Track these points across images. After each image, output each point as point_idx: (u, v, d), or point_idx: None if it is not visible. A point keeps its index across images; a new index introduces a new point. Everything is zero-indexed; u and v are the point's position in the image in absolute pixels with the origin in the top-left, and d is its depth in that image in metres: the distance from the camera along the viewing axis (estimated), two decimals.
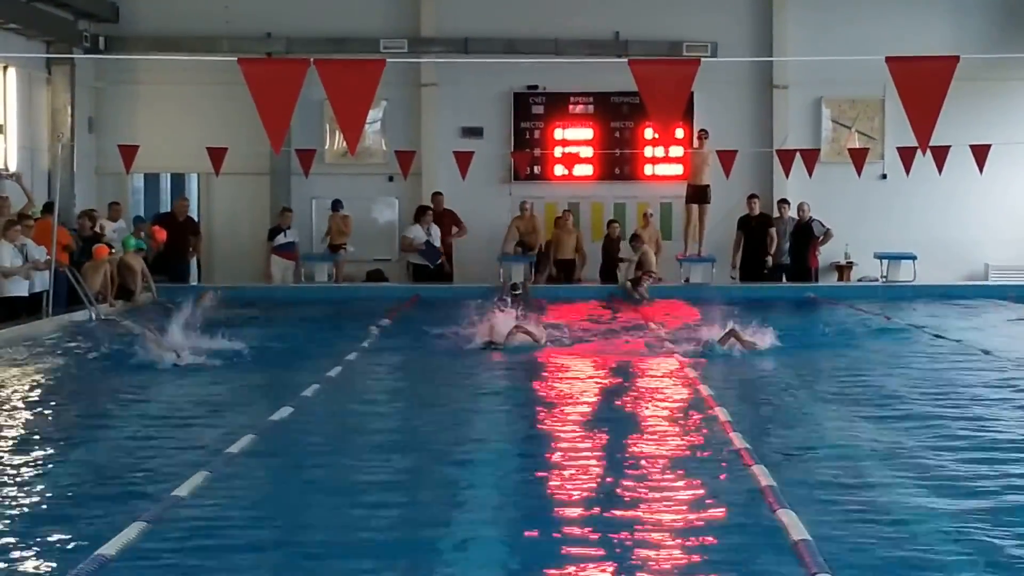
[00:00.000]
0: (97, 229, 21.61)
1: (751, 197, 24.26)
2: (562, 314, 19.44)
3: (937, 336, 16.77)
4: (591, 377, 13.41)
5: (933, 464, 8.83)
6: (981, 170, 22.43)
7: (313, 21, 25.11)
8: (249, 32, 25.05)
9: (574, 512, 7.64)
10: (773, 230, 23.99)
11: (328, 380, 12.92)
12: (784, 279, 24.09)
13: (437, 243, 24.06)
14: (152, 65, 24.73)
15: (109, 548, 6.67)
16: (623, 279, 23.32)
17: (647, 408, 11.42)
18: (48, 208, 20.22)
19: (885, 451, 9.27)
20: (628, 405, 11.53)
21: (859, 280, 24.96)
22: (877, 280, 24.53)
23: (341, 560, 6.73)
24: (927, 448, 9.36)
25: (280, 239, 24.21)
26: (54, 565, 6.58)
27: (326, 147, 25.12)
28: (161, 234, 22.86)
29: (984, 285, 24.47)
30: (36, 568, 6.61)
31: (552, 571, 6.52)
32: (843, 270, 25.19)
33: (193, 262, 24.44)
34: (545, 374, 13.61)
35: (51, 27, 23.24)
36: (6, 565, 6.62)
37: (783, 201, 24.35)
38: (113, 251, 20.98)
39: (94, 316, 19.15)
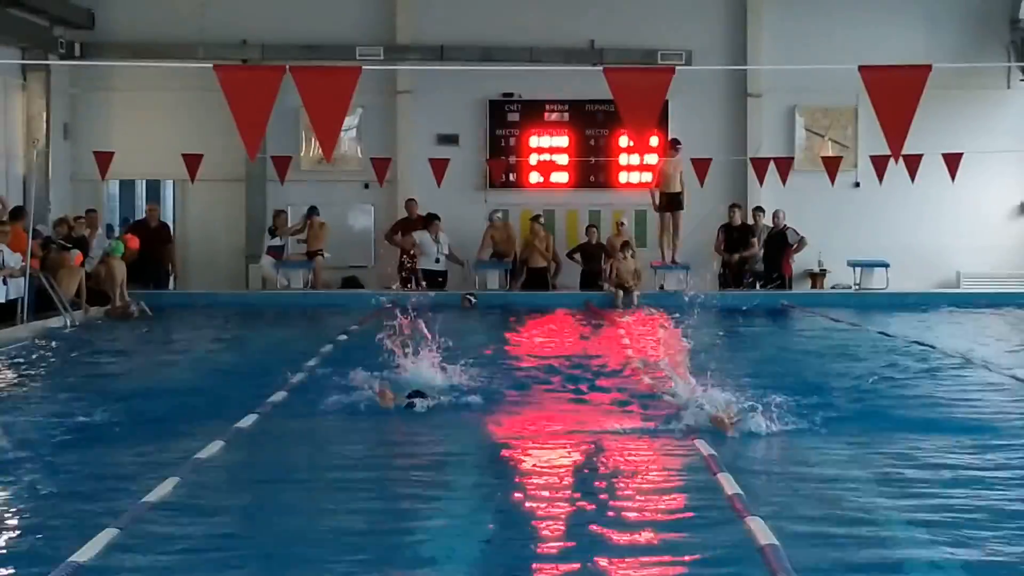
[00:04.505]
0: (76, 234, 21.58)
1: (732, 206, 24.36)
2: (528, 338, 18.46)
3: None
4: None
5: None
6: (953, 178, 22.67)
7: (289, 28, 25.11)
8: (225, 39, 25.03)
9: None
10: (754, 239, 24.13)
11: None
12: (758, 287, 24.18)
13: (446, 250, 24.20)
14: (128, 71, 24.70)
15: (81, 555, 6.59)
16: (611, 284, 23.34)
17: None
18: (15, 214, 20.19)
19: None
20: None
21: (832, 288, 25.08)
22: (850, 288, 24.64)
23: None
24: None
25: (276, 241, 24.30)
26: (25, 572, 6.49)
27: (302, 154, 25.14)
28: (133, 242, 22.82)
29: (956, 293, 24.61)
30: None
31: None
32: (816, 278, 25.30)
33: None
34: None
35: (26, 33, 23.18)
36: None
37: (758, 209, 24.46)
38: (90, 258, 20.99)
39: (69, 322, 19.17)
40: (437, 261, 24.18)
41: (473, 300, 22.72)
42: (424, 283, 22.66)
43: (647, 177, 25.19)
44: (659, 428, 10.42)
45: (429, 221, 24.14)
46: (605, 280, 23.48)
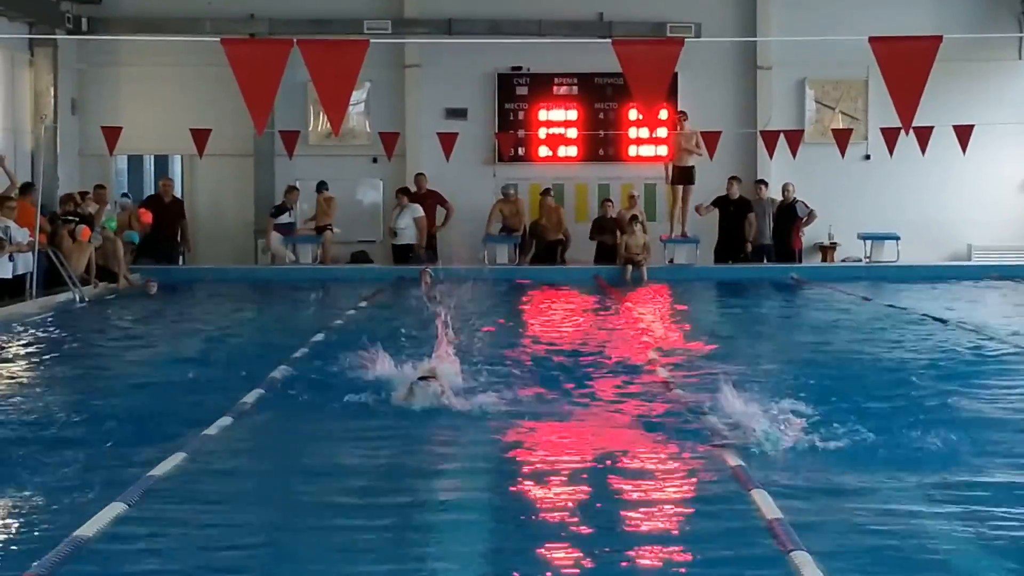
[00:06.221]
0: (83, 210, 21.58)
1: (731, 179, 24.26)
2: (536, 317, 18.16)
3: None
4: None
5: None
6: (964, 151, 22.56)
7: (296, 2, 25.03)
8: (232, 13, 24.96)
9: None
10: (752, 215, 24.01)
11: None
12: (767, 260, 24.12)
13: (402, 223, 24.08)
14: (135, 46, 24.66)
15: (86, 530, 6.55)
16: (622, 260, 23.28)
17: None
18: (25, 189, 20.19)
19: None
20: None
21: (842, 261, 25.02)
22: (860, 261, 24.58)
23: None
24: None
25: (284, 218, 24.25)
26: (31, 548, 6.44)
27: (310, 128, 25.09)
28: (147, 216, 22.86)
29: (967, 265, 24.55)
30: (15, 551, 6.47)
31: None
32: (827, 251, 25.23)
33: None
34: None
35: (34, 8, 23.13)
36: None
37: (760, 182, 24.35)
38: (97, 233, 20.99)
39: (78, 298, 19.16)
40: (395, 235, 24.13)
41: (431, 277, 22.44)
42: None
43: (656, 150, 25.14)
44: (666, 419, 9.76)
45: (399, 194, 24.30)
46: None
